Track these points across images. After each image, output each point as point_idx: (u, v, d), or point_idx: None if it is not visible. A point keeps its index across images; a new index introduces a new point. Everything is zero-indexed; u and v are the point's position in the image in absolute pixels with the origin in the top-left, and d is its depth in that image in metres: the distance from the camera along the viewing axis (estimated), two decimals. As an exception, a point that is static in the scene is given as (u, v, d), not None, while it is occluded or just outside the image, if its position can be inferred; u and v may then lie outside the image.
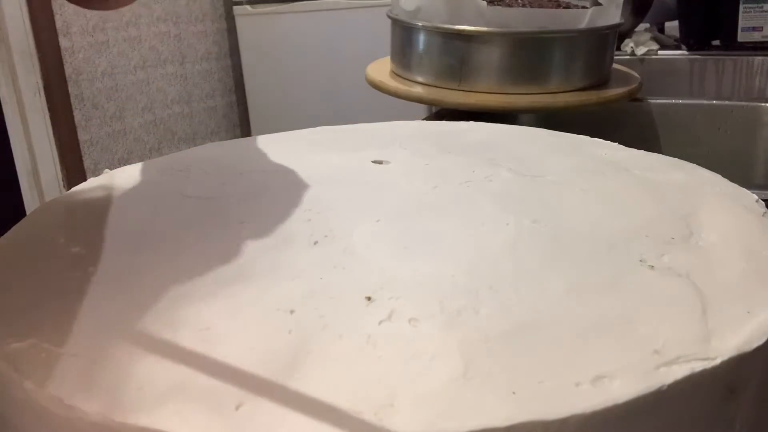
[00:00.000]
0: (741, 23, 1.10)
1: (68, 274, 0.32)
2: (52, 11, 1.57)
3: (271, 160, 0.46)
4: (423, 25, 0.79)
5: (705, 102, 0.96)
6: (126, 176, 0.44)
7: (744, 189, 0.41)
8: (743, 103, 0.94)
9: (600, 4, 0.82)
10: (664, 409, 0.25)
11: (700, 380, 0.25)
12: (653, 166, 0.45)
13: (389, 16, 0.84)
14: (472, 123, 0.55)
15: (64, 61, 1.61)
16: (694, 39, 1.14)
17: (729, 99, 0.99)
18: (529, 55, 0.77)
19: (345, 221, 0.36)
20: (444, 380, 0.24)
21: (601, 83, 0.83)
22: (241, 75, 2.03)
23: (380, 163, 0.45)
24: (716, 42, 1.15)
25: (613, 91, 0.82)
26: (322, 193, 0.40)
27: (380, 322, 0.27)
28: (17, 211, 0.53)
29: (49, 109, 1.54)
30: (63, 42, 1.60)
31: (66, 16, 1.61)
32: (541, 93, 0.78)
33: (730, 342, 0.26)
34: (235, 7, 1.98)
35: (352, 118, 0.60)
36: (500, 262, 0.32)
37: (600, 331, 0.27)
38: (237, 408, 0.23)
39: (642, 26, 1.20)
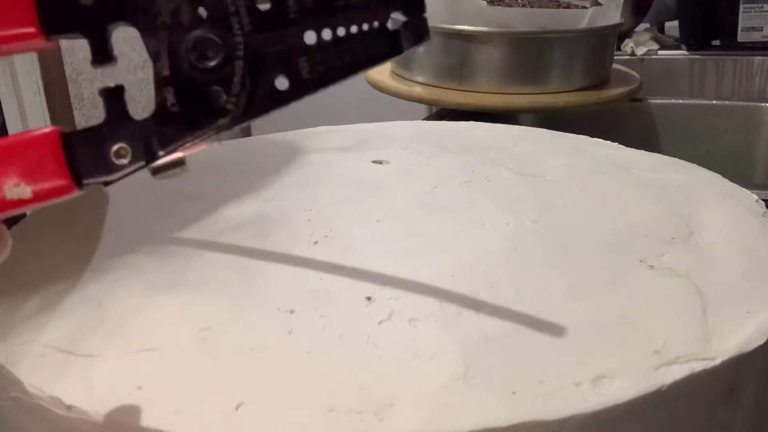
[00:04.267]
0: (741, 23, 1.10)
1: (67, 274, 0.32)
2: (52, 11, 1.57)
3: (271, 160, 0.46)
4: (423, 25, 0.79)
5: (705, 102, 0.96)
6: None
7: (744, 189, 0.41)
8: (743, 103, 0.94)
9: (600, 4, 0.82)
10: (664, 409, 0.25)
11: (700, 380, 0.25)
12: (653, 166, 0.45)
13: (389, 16, 0.84)
14: (472, 123, 0.55)
15: (64, 61, 1.61)
16: (694, 39, 1.13)
17: (729, 99, 0.99)
18: (529, 55, 0.77)
19: (345, 221, 0.36)
20: (444, 380, 0.24)
21: (601, 83, 0.83)
22: (241, 75, 2.02)
23: (380, 163, 0.45)
24: (716, 42, 1.14)
25: (613, 91, 0.82)
26: (322, 193, 0.40)
27: (380, 322, 0.27)
28: (17, 211, 0.53)
29: (49, 109, 1.54)
30: (63, 42, 1.60)
31: (66, 16, 1.61)
32: (541, 93, 0.78)
33: (730, 342, 0.26)
34: (235, 7, 1.97)
35: (352, 118, 0.60)
36: (500, 262, 0.32)
37: (600, 331, 0.27)
38: (237, 408, 0.23)
39: (642, 26, 1.20)
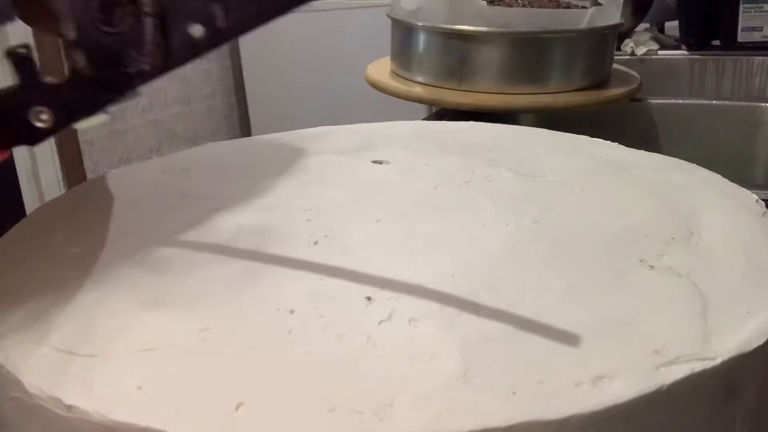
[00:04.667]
0: (741, 23, 1.10)
1: (68, 274, 0.32)
2: (52, 11, 1.56)
3: (271, 161, 0.46)
4: (423, 25, 0.79)
5: (705, 102, 0.96)
6: (126, 176, 0.44)
7: (744, 189, 0.41)
8: (743, 103, 0.94)
9: (600, 4, 0.82)
10: (664, 409, 0.25)
11: (700, 380, 0.25)
12: (653, 166, 0.45)
13: (389, 16, 0.84)
14: (472, 123, 0.55)
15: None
16: (694, 39, 1.13)
17: (729, 99, 0.99)
18: (529, 55, 0.77)
19: (345, 221, 0.36)
20: (444, 380, 0.24)
21: (601, 83, 0.83)
22: (241, 75, 2.02)
23: (380, 163, 0.45)
24: (716, 42, 1.14)
25: (613, 91, 0.82)
26: (322, 193, 0.40)
27: (380, 322, 0.27)
28: (17, 211, 0.53)
29: (49, 109, 1.54)
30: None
31: (66, 16, 1.61)
32: (541, 93, 0.78)
33: (730, 342, 0.26)
34: (235, 8, 1.97)
35: (352, 118, 0.60)
36: (500, 262, 0.32)
37: (600, 331, 0.27)
38: (237, 408, 0.23)
39: (642, 26, 1.20)
